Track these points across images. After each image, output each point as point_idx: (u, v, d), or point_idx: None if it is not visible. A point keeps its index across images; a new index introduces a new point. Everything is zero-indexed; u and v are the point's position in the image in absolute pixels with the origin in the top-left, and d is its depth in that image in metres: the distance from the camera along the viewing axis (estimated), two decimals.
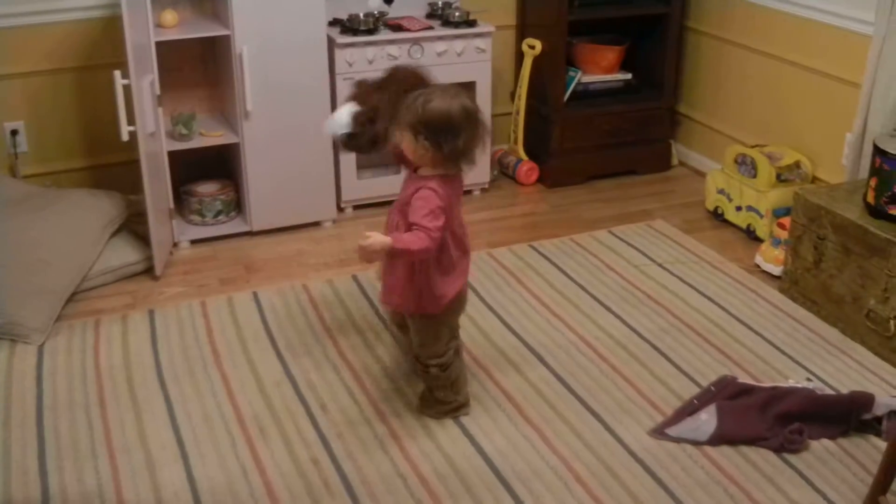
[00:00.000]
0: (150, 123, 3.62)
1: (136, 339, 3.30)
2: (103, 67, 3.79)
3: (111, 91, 3.49)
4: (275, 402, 2.97)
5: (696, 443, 2.78)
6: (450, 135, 2.53)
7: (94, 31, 4.00)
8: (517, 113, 4.71)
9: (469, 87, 4.37)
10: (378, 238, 2.45)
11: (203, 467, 2.67)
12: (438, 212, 2.55)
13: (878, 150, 3.26)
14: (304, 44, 3.91)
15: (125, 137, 3.52)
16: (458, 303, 2.81)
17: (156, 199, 3.68)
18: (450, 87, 2.65)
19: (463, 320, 2.99)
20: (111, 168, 4.17)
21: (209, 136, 4.02)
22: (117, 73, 3.45)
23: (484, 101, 4.36)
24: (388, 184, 4.35)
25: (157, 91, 3.73)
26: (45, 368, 3.13)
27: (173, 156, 3.91)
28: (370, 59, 4.11)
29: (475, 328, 3.37)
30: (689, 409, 2.90)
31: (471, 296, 3.35)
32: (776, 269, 3.76)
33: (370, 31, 4.12)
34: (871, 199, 3.29)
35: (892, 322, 3.17)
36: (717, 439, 2.78)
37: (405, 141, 2.59)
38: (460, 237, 2.75)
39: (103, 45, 4.00)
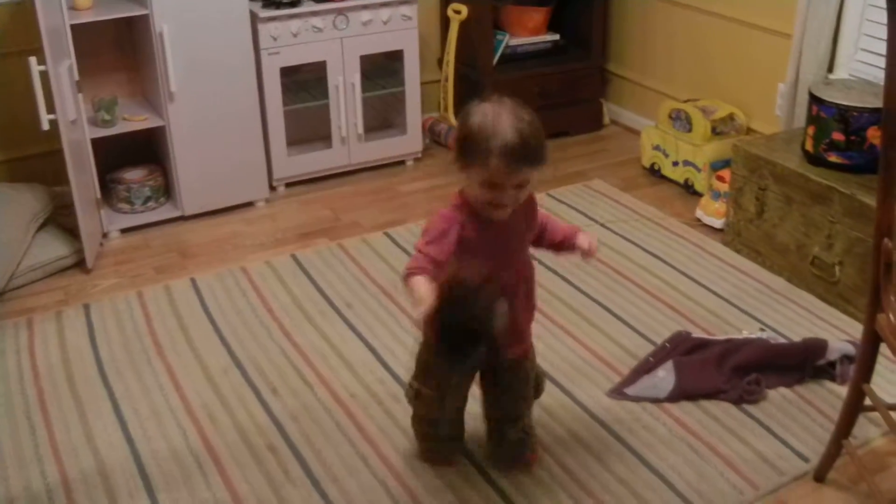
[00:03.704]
0: (71, 111, 3.48)
1: (73, 336, 3.18)
2: (16, 55, 3.62)
3: (27, 79, 3.33)
4: (223, 389, 2.87)
5: (655, 400, 2.77)
6: None
7: (1, 17, 3.82)
8: (446, 80, 4.64)
9: (396, 56, 4.30)
10: None
11: (156, 464, 2.57)
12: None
13: (814, 98, 3.27)
14: (225, 20, 3.78)
15: (45, 126, 3.37)
16: None
17: (82, 189, 3.54)
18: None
19: None
20: (32, 160, 3.99)
21: (133, 120, 3.88)
22: (33, 60, 3.29)
23: (412, 70, 4.30)
24: (320, 159, 4.29)
25: (76, 76, 3.58)
26: None
27: (97, 143, 3.76)
28: (294, 33, 4.00)
29: None
30: (645, 368, 2.89)
31: None
32: (718, 222, 3.76)
33: (293, 4, 3.99)
34: (809, 147, 3.30)
35: (836, 268, 3.19)
36: (677, 395, 2.77)
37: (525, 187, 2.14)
38: None
39: (14, 31, 3.81)
